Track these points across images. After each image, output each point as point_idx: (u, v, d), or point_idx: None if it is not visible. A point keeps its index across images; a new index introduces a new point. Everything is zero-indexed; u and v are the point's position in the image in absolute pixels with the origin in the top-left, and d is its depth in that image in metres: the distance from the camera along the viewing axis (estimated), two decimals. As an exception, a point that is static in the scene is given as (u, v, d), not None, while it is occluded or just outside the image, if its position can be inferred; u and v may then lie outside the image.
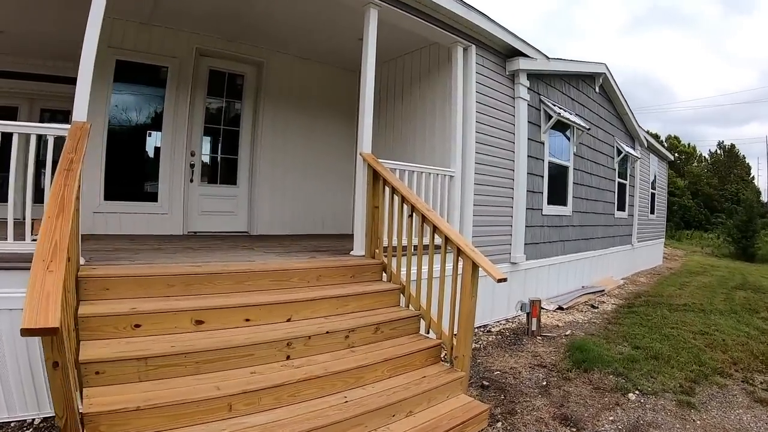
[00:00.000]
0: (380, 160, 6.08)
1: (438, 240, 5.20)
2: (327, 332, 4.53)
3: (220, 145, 9.46)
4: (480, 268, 4.67)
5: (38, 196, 4.86)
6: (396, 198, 5.76)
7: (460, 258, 4.85)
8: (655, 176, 20.12)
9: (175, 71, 8.53)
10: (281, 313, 4.64)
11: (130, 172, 8.54)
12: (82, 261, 4.53)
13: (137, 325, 3.97)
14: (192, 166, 8.83)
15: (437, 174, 7.22)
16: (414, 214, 5.51)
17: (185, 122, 8.60)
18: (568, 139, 11.24)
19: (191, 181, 8.84)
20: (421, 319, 5.37)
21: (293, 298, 4.79)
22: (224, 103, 9.39)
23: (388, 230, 5.96)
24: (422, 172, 6.92)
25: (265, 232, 9.41)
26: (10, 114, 10.41)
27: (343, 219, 10.12)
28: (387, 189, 5.87)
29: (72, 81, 4.72)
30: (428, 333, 5.33)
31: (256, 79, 9.49)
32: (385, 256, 5.96)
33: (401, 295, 5.65)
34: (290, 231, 9.67)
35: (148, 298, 4.33)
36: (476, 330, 7.56)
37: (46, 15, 7.72)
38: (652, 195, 19.66)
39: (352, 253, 6.39)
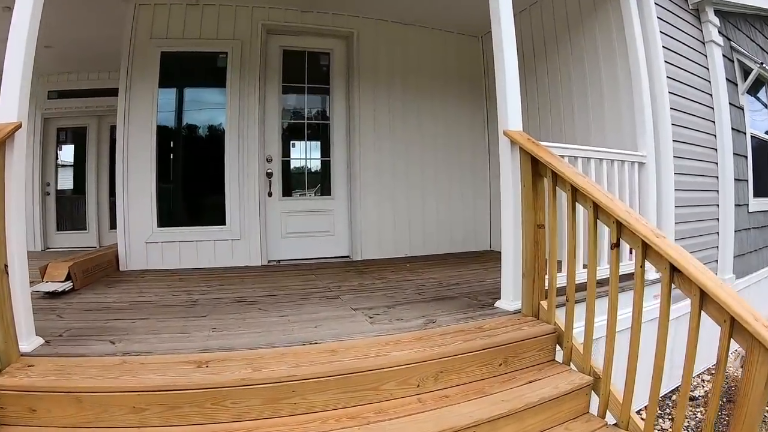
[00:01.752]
0: (544, 143, 3.39)
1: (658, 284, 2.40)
2: None
3: (305, 145, 7.06)
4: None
5: None
6: (583, 210, 2.99)
7: (733, 338, 2.08)
8: None
9: (237, 57, 6.37)
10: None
11: (188, 190, 6.58)
12: (29, 346, 2.73)
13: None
14: (269, 175, 6.56)
15: (622, 161, 4.35)
16: (621, 239, 2.65)
17: (255, 120, 6.37)
18: (765, 104, 7.89)
19: (269, 194, 6.57)
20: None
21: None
22: (306, 91, 6.96)
23: (568, 270, 3.16)
24: (602, 160, 4.11)
25: (374, 255, 6.85)
26: (80, 134, 9.51)
27: (476, 229, 7.44)
28: (563, 193, 3.10)
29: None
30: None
31: (346, 57, 6.98)
32: (559, 307, 3.20)
33: (593, 393, 2.86)
34: (407, 252, 7.05)
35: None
36: (668, 394, 4.82)
37: (86, 18, 6.55)
38: None
39: (498, 304, 3.68)
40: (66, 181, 9.80)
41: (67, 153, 9.80)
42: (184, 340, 3.00)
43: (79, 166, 9.69)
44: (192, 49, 6.29)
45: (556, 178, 3.11)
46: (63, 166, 9.75)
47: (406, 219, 7.11)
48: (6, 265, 2.54)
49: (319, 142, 7.09)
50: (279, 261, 6.58)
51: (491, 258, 6.35)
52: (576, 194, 2.94)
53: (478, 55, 7.51)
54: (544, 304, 3.32)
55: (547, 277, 3.33)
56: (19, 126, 2.70)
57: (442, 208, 7.31)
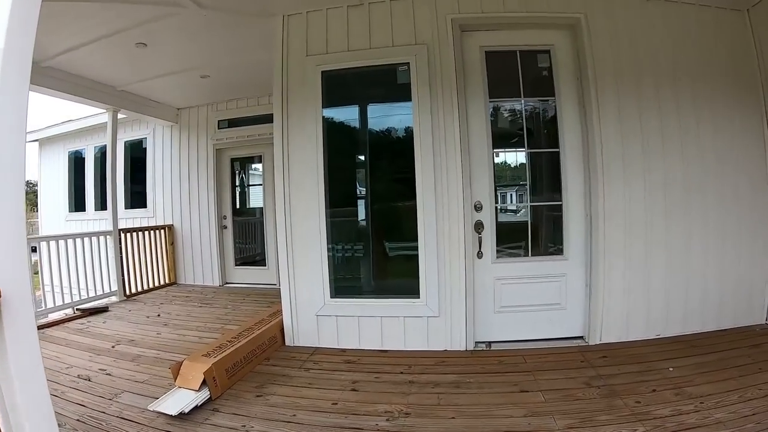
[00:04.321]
0: None
1: None
2: None
3: (527, 184, 4.95)
4: None
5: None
6: None
7: None
8: None
9: (423, 67, 4.63)
10: None
11: (369, 251, 5.16)
12: None
13: None
14: (479, 227, 4.66)
15: None
16: None
17: (456, 150, 4.59)
18: None
19: (479, 255, 4.69)
20: None
21: None
22: (523, 106, 4.87)
23: None
24: None
25: (617, 335, 4.64)
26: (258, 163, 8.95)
27: (749, 293, 4.88)
28: None
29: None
30: None
31: (574, 55, 4.73)
32: None
33: None
34: (660, 330, 4.70)
35: None
36: None
37: (236, 43, 5.85)
38: None
39: None
40: (246, 215, 9.17)
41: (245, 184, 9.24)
42: None
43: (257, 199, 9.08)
44: (361, 64, 4.76)
45: None
46: (251, 186, 9.21)
47: (662, 285, 4.75)
48: None
49: (546, 179, 4.98)
50: (489, 344, 4.71)
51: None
52: None
53: (745, 37, 4.89)
54: None
55: None
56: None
57: (711, 266, 4.82)
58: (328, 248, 4.81)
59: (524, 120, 4.84)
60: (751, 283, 4.90)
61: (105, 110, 7.43)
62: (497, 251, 4.78)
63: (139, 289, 7.95)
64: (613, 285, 4.67)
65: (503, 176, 4.97)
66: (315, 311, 4.86)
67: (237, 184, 8.95)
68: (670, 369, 3.92)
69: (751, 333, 4.69)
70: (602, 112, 4.59)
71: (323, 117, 4.74)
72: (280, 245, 4.94)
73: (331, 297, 4.84)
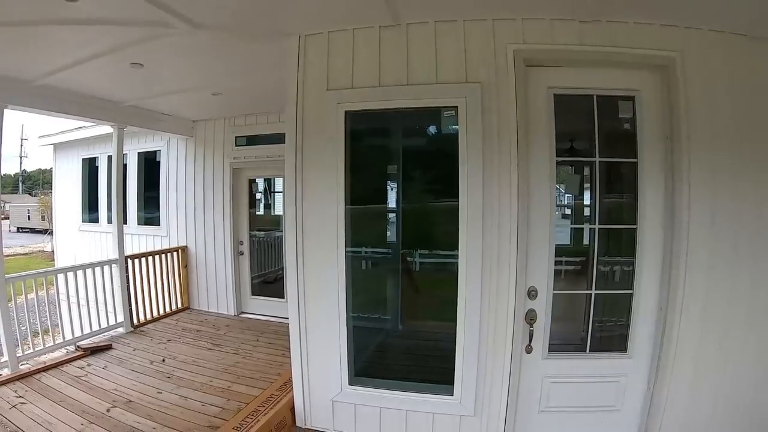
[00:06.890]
0: None
1: None
2: None
3: (587, 261, 3.87)
4: None
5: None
6: None
7: None
8: None
9: (475, 113, 3.58)
10: None
11: (396, 332, 4.58)
12: None
13: None
14: (531, 319, 3.65)
15: None
16: None
17: (512, 223, 3.55)
18: None
19: (528, 350, 3.68)
20: None
21: None
22: (597, 169, 3.82)
23: None
24: None
25: None
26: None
27: None
28: None
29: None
30: None
31: (665, 105, 3.60)
32: None
33: None
34: None
35: None
36: None
37: (247, 63, 4.94)
38: None
39: None
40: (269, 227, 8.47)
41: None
42: None
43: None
44: (395, 105, 3.75)
45: None
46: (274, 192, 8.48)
47: (733, 398, 3.70)
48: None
49: (616, 263, 3.95)
50: (536, 447, 3.78)
51: None
52: None
53: None
54: None
55: None
56: None
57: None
58: (345, 324, 3.91)
59: (597, 185, 3.82)
60: None
61: (110, 127, 6.71)
62: (550, 344, 3.79)
63: (149, 317, 7.23)
64: (679, 387, 3.66)
65: (565, 257, 3.99)
66: (330, 396, 4.04)
67: (259, 191, 8.25)
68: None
69: None
70: (693, 189, 3.50)
71: (346, 165, 3.77)
72: (291, 326, 4.09)
73: (349, 384, 3.99)
